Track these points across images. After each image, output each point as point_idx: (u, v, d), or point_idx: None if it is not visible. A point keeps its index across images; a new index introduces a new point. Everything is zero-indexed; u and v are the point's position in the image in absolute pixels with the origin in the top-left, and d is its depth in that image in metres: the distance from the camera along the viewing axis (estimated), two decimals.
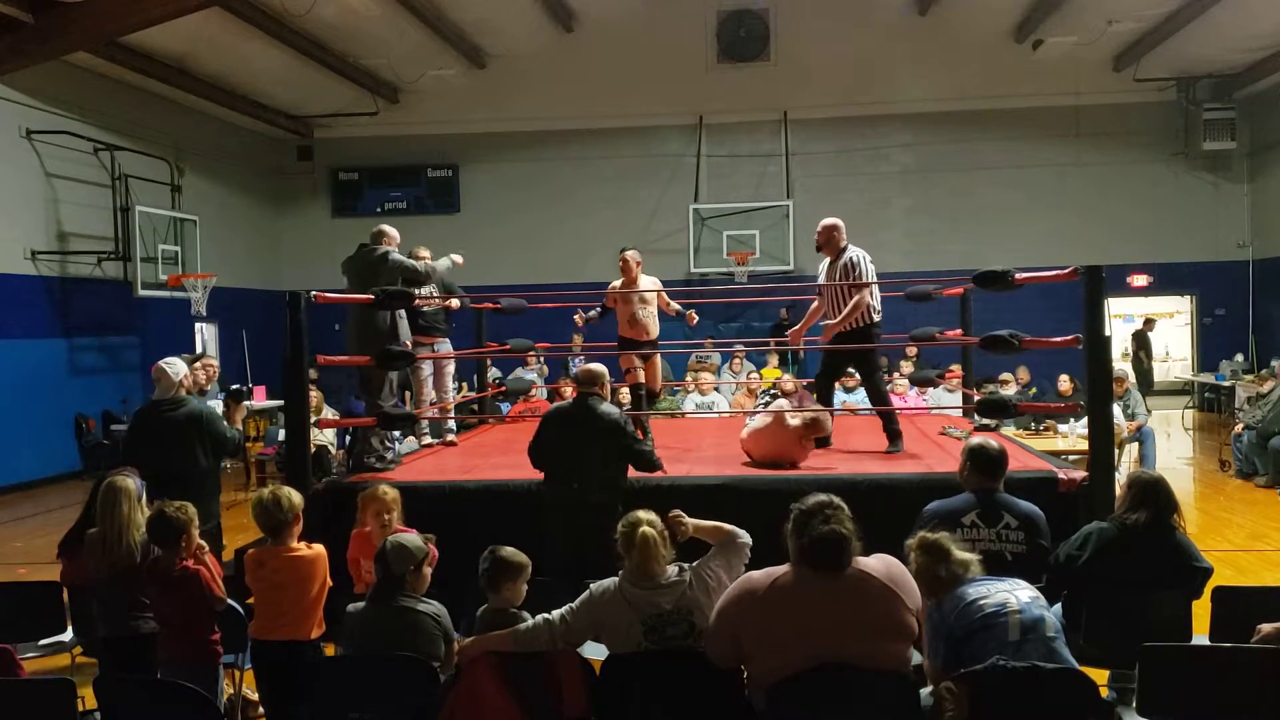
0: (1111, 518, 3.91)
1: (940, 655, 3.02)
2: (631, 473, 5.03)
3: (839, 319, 6.27)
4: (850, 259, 6.31)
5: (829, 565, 2.98)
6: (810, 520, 3.00)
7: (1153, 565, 3.73)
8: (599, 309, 7.31)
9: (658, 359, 7.19)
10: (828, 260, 6.47)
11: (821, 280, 6.51)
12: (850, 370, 7.33)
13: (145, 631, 3.83)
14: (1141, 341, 15.23)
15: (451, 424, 7.64)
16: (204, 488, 5.06)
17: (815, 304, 6.89)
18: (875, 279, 6.43)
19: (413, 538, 3.58)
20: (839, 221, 6.48)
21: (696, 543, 3.60)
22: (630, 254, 7.03)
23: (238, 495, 10.14)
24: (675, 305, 7.35)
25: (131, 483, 3.97)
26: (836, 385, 12.09)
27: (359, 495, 4.47)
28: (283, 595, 3.70)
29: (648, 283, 7.10)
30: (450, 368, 7.76)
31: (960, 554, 3.13)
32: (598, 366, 5.03)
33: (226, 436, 5.22)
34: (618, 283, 7.11)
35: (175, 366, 5.16)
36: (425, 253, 7.15)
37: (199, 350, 14.22)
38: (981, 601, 3.01)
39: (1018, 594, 3.03)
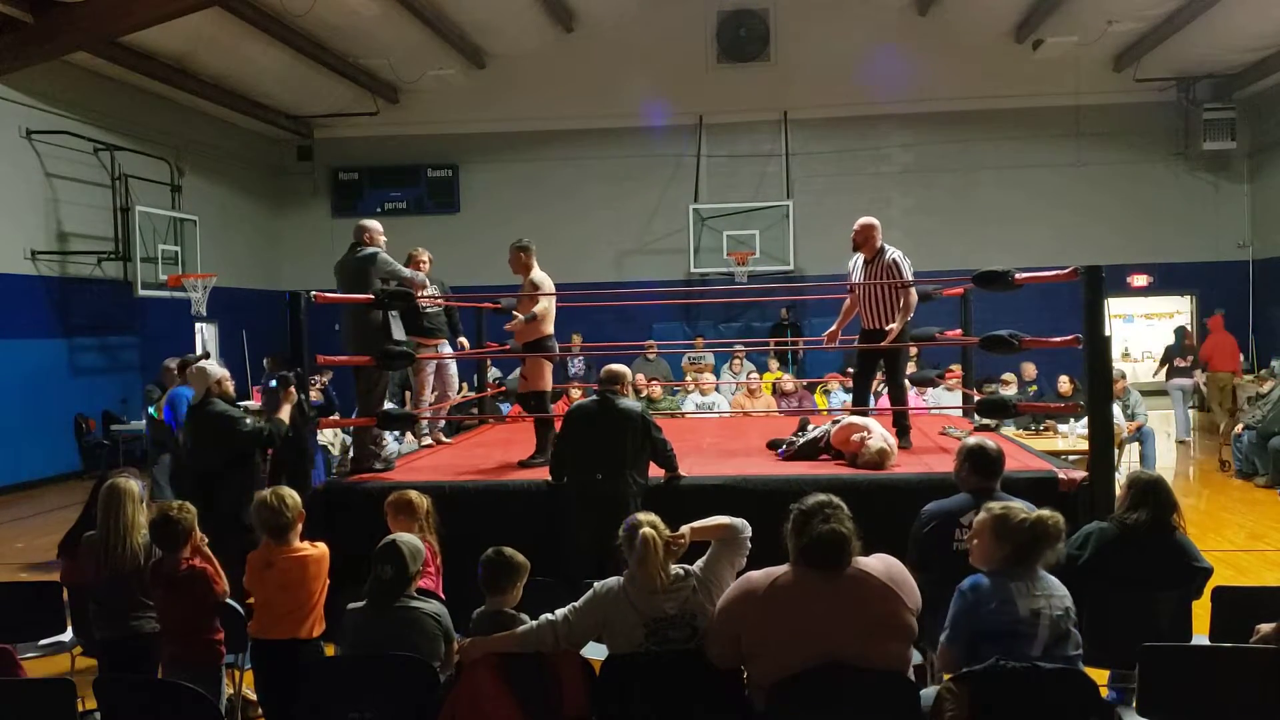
0: (1112, 517, 3.92)
1: (958, 640, 3.01)
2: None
3: (897, 323, 6.33)
4: (893, 259, 6.37)
5: (829, 565, 2.97)
6: (810, 520, 3.00)
7: (1153, 565, 3.73)
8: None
9: (532, 364, 6.55)
10: (862, 259, 6.49)
11: (857, 279, 6.51)
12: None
13: (146, 632, 3.82)
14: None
15: (440, 424, 7.63)
16: (238, 482, 5.00)
17: (848, 303, 6.85)
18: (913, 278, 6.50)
19: (414, 538, 3.58)
20: (876, 221, 6.51)
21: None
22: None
23: None
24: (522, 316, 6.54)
25: (134, 484, 3.97)
26: (837, 385, 12.16)
27: (386, 502, 4.40)
28: (286, 595, 3.70)
29: (528, 283, 6.58)
30: (453, 367, 7.76)
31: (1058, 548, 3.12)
32: (620, 366, 5.14)
33: (247, 431, 5.12)
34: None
35: (210, 370, 5.15)
36: (424, 254, 7.12)
37: (199, 350, 14.23)
38: (1019, 601, 2.98)
39: (1054, 604, 3.02)
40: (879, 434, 5.78)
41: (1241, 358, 13.30)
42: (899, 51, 15.13)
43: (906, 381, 10.38)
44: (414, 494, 4.37)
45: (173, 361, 7.37)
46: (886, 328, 6.39)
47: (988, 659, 2.91)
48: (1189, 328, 14.15)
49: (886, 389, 6.96)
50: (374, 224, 6.55)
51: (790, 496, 3.19)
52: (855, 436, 5.79)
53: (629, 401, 5.02)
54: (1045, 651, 2.92)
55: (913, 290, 6.44)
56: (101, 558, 3.82)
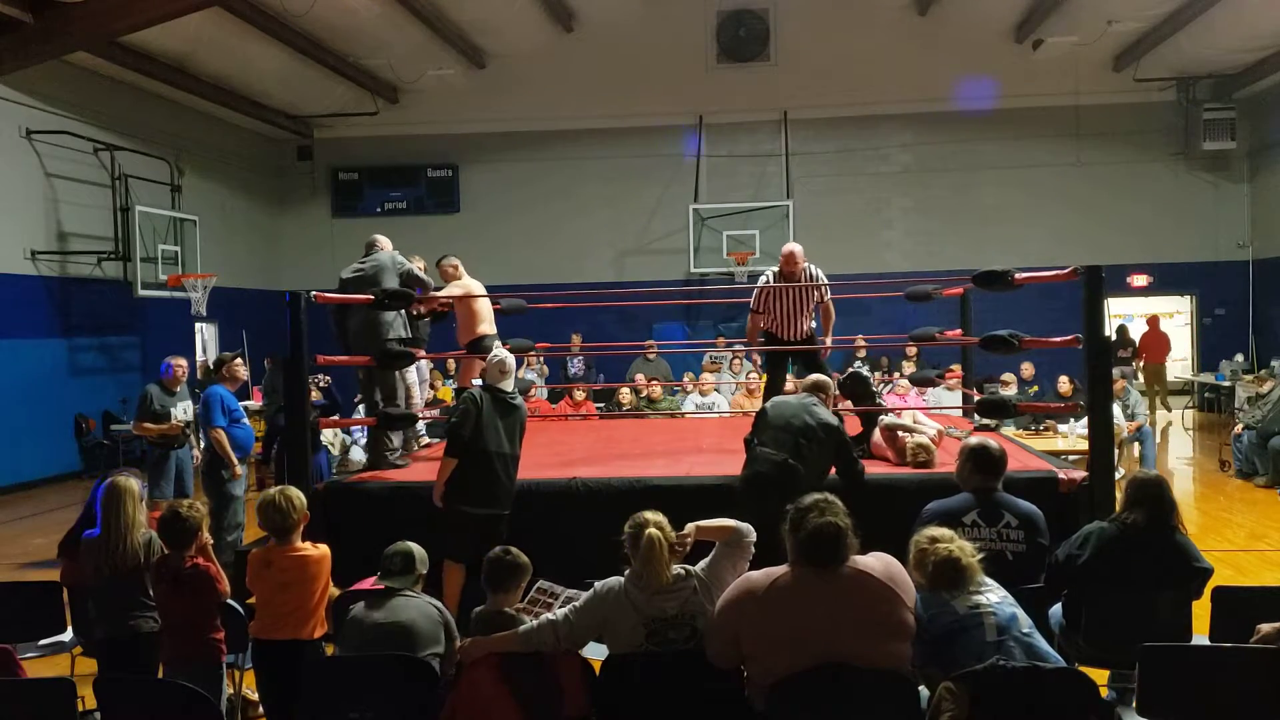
0: (1111, 518, 3.92)
1: (918, 655, 3.04)
2: (611, 472, 5.10)
3: (828, 334, 6.89)
4: (815, 271, 6.67)
5: (825, 559, 2.98)
6: (805, 516, 3.02)
7: (1153, 565, 3.73)
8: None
9: (465, 363, 6.94)
10: (781, 277, 6.66)
11: (772, 295, 6.68)
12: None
13: (145, 631, 3.82)
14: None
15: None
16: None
17: (751, 324, 6.97)
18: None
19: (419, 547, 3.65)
20: (799, 247, 6.74)
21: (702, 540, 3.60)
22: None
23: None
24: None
25: (135, 483, 3.97)
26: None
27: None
28: (288, 595, 3.71)
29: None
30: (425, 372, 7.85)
31: (968, 560, 3.13)
32: (824, 378, 5.24)
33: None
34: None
35: (511, 361, 5.24)
36: (420, 261, 7.15)
37: (199, 351, 14.23)
38: (954, 604, 3.03)
39: (988, 595, 3.06)
40: (927, 430, 5.89)
41: (1171, 352, 15.39)
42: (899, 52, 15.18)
43: (908, 380, 10.44)
44: None
45: (179, 360, 7.36)
46: (821, 338, 6.81)
47: (950, 660, 2.93)
48: (1127, 325, 15.72)
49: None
50: (384, 240, 6.84)
51: None
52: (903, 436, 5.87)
53: (828, 414, 4.95)
54: (999, 635, 2.95)
55: (829, 301, 6.86)
56: (102, 555, 3.82)
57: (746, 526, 3.48)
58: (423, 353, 7.43)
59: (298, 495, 3.83)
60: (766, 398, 6.95)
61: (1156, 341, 15.11)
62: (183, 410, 7.19)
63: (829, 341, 6.96)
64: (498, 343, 5.86)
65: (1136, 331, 15.49)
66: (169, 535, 3.73)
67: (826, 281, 6.73)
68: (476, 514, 4.88)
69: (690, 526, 3.50)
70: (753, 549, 3.45)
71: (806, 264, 6.69)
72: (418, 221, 15.81)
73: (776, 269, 6.68)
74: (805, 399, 5.02)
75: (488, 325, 6.85)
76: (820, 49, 15.40)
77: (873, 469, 5.74)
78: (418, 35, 13.79)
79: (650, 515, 3.33)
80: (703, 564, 3.37)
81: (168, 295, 12.53)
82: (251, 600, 3.87)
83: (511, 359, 5.22)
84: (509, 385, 5.12)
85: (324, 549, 3.83)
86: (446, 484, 4.91)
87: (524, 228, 16.03)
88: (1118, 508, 3.99)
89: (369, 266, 6.49)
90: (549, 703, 3.14)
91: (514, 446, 5.11)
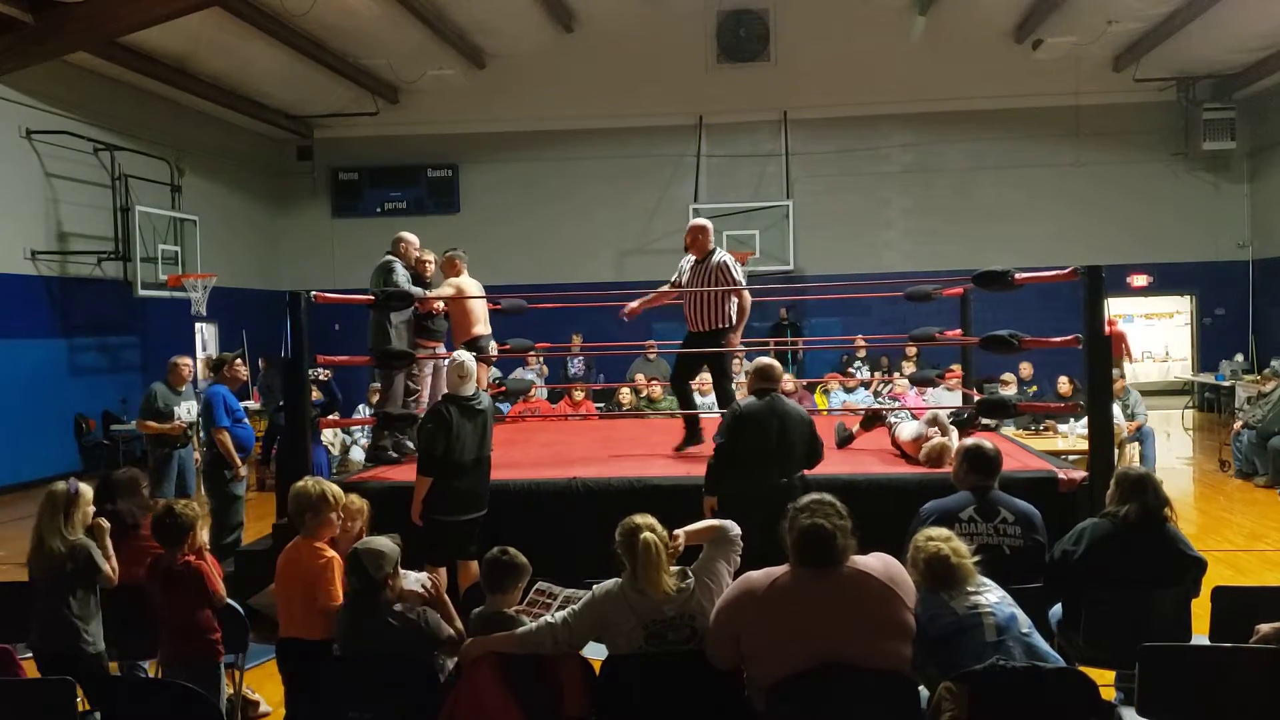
0: (1103, 513, 3.93)
1: (918, 656, 3.04)
2: (611, 472, 5.12)
3: (739, 326, 6.53)
4: (722, 262, 6.45)
5: (817, 560, 2.98)
6: (798, 517, 3.03)
7: (1147, 558, 3.74)
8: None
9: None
10: (693, 259, 6.56)
11: (686, 278, 6.60)
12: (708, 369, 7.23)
13: (90, 654, 3.72)
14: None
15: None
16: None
17: (665, 296, 6.97)
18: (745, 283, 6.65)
19: (386, 541, 3.49)
20: (708, 223, 6.66)
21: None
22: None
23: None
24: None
25: (75, 488, 3.94)
26: (837, 385, 12.15)
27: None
28: (297, 588, 3.66)
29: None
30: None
31: (959, 559, 3.13)
32: (775, 362, 4.97)
33: None
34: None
35: (472, 363, 5.20)
36: (430, 256, 7.16)
37: (199, 350, 14.22)
38: (953, 604, 3.04)
39: (987, 595, 3.06)
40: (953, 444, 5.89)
41: (1125, 349, 16.22)
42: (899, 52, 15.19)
43: (908, 380, 10.42)
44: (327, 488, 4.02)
45: (185, 359, 7.37)
46: (722, 329, 6.44)
47: (950, 661, 2.93)
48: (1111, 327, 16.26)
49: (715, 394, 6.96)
50: (409, 236, 6.92)
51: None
52: (930, 431, 5.90)
53: (793, 402, 4.91)
54: (999, 635, 2.95)
55: (746, 293, 6.56)
56: (32, 561, 3.81)
57: (729, 523, 3.48)
58: (442, 349, 7.43)
59: (334, 490, 3.77)
60: (676, 395, 6.94)
61: (1114, 338, 15.39)
62: (187, 410, 7.20)
63: (737, 340, 6.66)
64: (460, 350, 5.76)
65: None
66: (162, 533, 3.72)
67: (740, 275, 6.50)
68: (455, 521, 4.92)
69: (679, 532, 3.46)
70: (740, 544, 3.44)
71: (716, 249, 6.54)
72: (418, 222, 15.73)
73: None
74: (767, 400, 4.80)
75: (483, 326, 6.85)
76: (820, 49, 15.40)
77: (874, 469, 5.76)
78: (418, 35, 13.79)
79: (642, 519, 3.25)
80: (698, 564, 3.37)
81: (168, 295, 12.53)
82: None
83: (471, 361, 5.15)
84: (470, 389, 5.08)
85: (333, 554, 3.79)
86: (424, 500, 4.92)
87: (524, 228, 16.03)
88: (1107, 503, 3.99)
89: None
90: (549, 703, 3.13)
91: (484, 449, 5.12)
